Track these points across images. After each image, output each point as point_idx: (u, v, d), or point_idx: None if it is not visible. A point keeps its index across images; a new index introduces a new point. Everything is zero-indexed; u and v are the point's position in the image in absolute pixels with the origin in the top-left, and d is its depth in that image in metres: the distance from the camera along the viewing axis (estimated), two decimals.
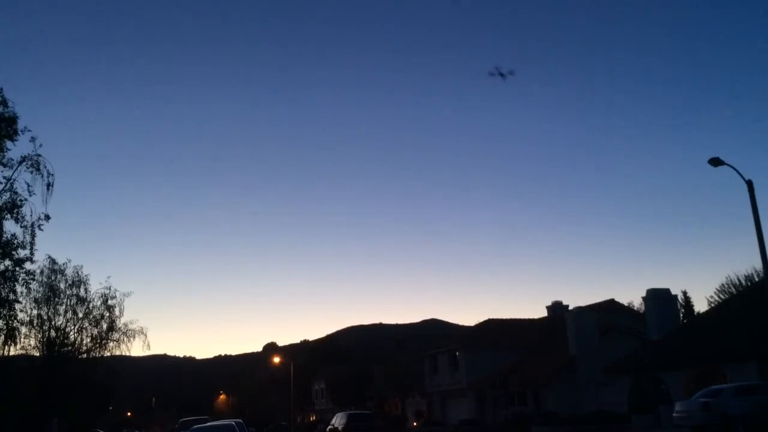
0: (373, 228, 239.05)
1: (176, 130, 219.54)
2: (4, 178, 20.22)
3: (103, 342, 38.53)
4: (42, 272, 35.50)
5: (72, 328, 37.58)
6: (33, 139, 20.48)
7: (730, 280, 44.27)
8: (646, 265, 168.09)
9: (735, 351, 24.72)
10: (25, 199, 20.63)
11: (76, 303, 37.56)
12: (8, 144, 20.00)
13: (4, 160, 20.04)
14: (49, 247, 52.78)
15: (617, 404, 31.27)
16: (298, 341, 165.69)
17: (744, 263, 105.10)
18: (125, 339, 38.84)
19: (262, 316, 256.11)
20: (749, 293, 32.17)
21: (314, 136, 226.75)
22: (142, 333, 39.42)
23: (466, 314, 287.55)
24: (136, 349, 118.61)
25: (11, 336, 27.19)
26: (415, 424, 51.56)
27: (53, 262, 36.60)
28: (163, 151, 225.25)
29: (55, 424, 38.12)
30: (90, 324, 38.19)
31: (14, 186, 20.39)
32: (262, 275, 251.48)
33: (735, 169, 21.10)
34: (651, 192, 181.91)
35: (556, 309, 49.84)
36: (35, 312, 35.87)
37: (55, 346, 36.33)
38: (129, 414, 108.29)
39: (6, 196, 20.31)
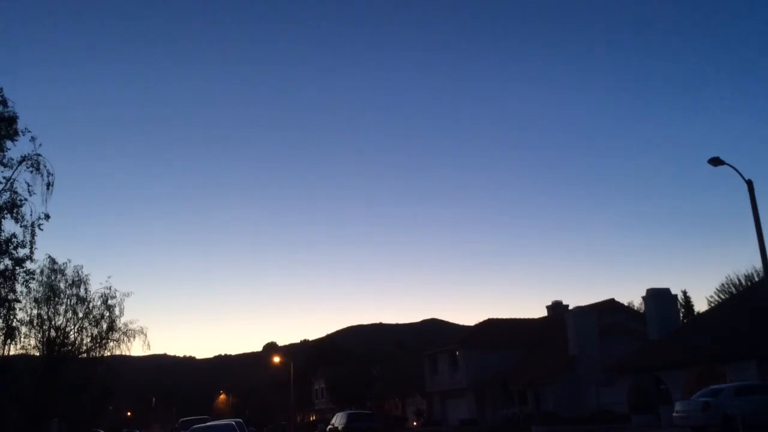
0: (373, 228, 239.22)
1: (177, 131, 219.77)
2: (4, 178, 20.17)
3: (103, 342, 38.43)
4: (42, 272, 35.42)
5: (72, 327, 37.48)
6: (33, 139, 20.43)
7: (730, 280, 44.38)
8: (646, 265, 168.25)
9: (735, 351, 24.73)
10: (25, 199, 20.57)
11: (76, 303, 37.46)
12: (8, 144, 19.95)
13: (4, 160, 19.99)
14: (49, 247, 52.69)
15: (617, 404, 31.29)
16: (298, 341, 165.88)
17: (744, 263, 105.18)
18: (125, 339, 38.75)
19: (262, 316, 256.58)
20: (749, 293, 32.17)
21: (314, 137, 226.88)
22: (142, 333, 39.34)
23: (466, 314, 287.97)
24: (136, 349, 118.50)
25: (11, 335, 27.17)
26: (415, 424, 51.56)
27: (53, 261, 36.54)
28: (164, 152, 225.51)
29: (55, 424, 38.05)
30: (90, 324, 38.09)
31: (14, 186, 20.33)
32: (262, 275, 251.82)
33: (735, 168, 21.08)
34: (651, 192, 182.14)
35: (556, 309, 49.77)
36: (35, 312, 35.78)
37: (55, 346, 36.21)
38: (129, 414, 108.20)
39: (6, 195, 20.27)
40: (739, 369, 24.19)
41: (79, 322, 37.71)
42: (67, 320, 37.20)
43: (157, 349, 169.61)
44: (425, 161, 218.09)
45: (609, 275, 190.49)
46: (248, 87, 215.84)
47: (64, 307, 37.04)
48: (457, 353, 47.21)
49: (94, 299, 38.15)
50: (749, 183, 20.99)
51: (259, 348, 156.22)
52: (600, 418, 30.71)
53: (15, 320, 26.75)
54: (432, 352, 51.18)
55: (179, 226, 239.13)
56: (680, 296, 47.52)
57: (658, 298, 32.96)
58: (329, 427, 39.19)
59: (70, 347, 37.44)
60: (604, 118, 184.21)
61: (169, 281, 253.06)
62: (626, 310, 45.07)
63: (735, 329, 26.38)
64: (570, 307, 42.69)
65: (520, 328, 47.64)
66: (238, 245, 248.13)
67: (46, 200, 20.77)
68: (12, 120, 19.66)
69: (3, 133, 19.56)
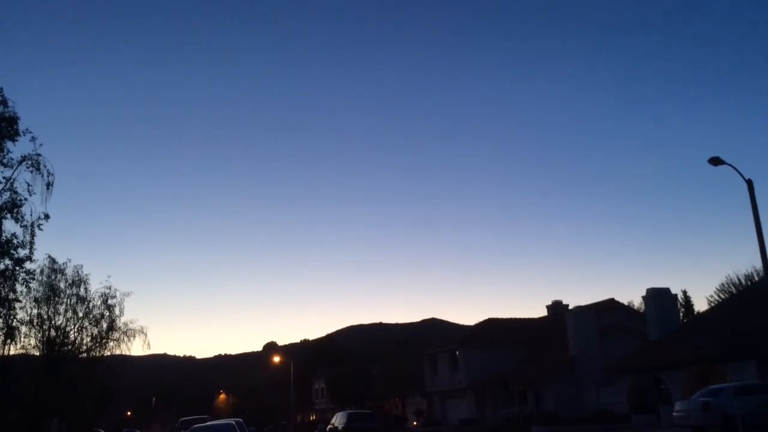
0: (373, 228, 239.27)
1: (176, 131, 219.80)
2: (4, 178, 20.16)
3: (103, 341, 38.37)
4: (42, 272, 35.37)
5: (72, 327, 37.40)
6: (33, 139, 20.43)
7: (730, 280, 44.38)
8: (646, 265, 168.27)
9: (735, 351, 24.72)
10: (25, 199, 20.57)
11: (76, 302, 37.40)
12: (8, 144, 19.95)
13: (5, 160, 19.98)
14: (49, 246, 52.67)
15: (617, 404, 31.29)
16: (298, 341, 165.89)
17: (744, 263, 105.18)
18: (125, 338, 38.69)
19: (262, 316, 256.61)
20: (749, 293, 32.16)
21: (314, 136, 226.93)
22: (142, 332, 39.29)
23: (466, 314, 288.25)
24: (136, 348, 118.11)
25: (11, 335, 27.16)
26: (415, 423, 51.56)
27: (53, 261, 36.48)
28: (163, 152, 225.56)
29: (55, 424, 38.02)
30: (90, 323, 38.03)
31: (14, 186, 20.33)
32: (263, 275, 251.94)
33: (735, 168, 21.06)
34: (651, 192, 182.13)
35: (556, 309, 49.78)
36: (35, 311, 35.72)
37: (55, 346, 36.16)
38: (129, 414, 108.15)
39: (6, 195, 20.27)
40: (739, 369, 24.18)
41: (79, 321, 37.67)
42: (67, 320, 37.17)
43: (157, 349, 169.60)
44: (425, 161, 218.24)
45: (609, 275, 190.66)
46: (248, 87, 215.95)
47: (64, 306, 37.00)
48: (457, 353, 47.21)
49: (94, 299, 38.13)
50: (749, 183, 20.98)
51: (259, 348, 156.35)
52: (600, 418, 30.71)
53: (15, 320, 26.76)
54: (432, 352, 51.17)
55: (179, 226, 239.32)
56: (680, 296, 47.54)
57: (658, 297, 32.95)
58: (329, 426, 39.21)
59: (70, 347, 37.39)
60: (604, 118, 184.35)
61: (169, 281, 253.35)
62: (626, 309, 45.09)
63: (735, 329, 26.36)
64: (570, 307, 42.71)
65: (520, 328, 47.63)
66: (238, 245, 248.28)
67: (46, 200, 20.80)
68: (13, 120, 19.67)
69: (3, 133, 19.56)
